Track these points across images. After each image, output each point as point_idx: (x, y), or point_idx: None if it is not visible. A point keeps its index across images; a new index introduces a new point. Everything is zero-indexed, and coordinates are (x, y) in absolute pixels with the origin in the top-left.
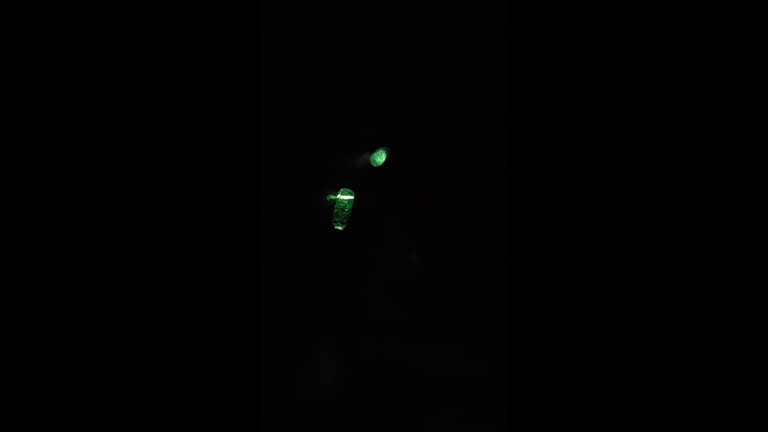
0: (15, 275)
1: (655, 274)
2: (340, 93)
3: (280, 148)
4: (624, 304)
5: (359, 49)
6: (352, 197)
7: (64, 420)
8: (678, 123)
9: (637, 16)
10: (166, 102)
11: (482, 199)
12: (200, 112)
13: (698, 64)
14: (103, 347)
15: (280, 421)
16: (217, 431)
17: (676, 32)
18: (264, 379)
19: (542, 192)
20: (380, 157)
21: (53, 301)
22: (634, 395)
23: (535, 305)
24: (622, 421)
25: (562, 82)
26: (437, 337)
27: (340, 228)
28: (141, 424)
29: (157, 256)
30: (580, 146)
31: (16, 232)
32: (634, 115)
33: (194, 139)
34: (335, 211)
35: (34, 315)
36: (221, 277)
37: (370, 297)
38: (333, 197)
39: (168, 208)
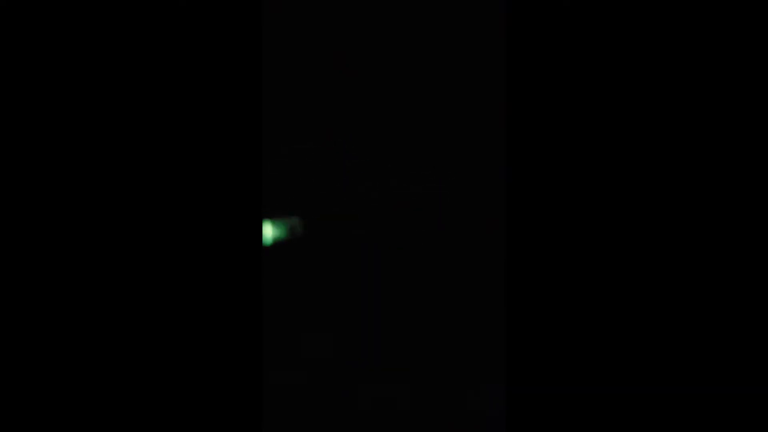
0: (14, 275)
1: (656, 274)
2: (340, 93)
3: (280, 148)
4: (624, 305)
5: (359, 49)
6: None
7: (64, 420)
8: (679, 123)
9: (637, 16)
10: (166, 102)
11: (482, 199)
12: (200, 112)
13: (699, 64)
14: (97, 348)
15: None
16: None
17: (676, 32)
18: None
19: (542, 193)
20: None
21: (52, 302)
22: (634, 396)
23: (535, 306)
24: (623, 422)
25: (562, 82)
26: (437, 338)
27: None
28: (140, 424)
29: (156, 258)
30: (581, 147)
31: (15, 232)
32: (635, 115)
33: (194, 140)
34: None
35: (33, 315)
36: (221, 278)
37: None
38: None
39: (167, 208)
